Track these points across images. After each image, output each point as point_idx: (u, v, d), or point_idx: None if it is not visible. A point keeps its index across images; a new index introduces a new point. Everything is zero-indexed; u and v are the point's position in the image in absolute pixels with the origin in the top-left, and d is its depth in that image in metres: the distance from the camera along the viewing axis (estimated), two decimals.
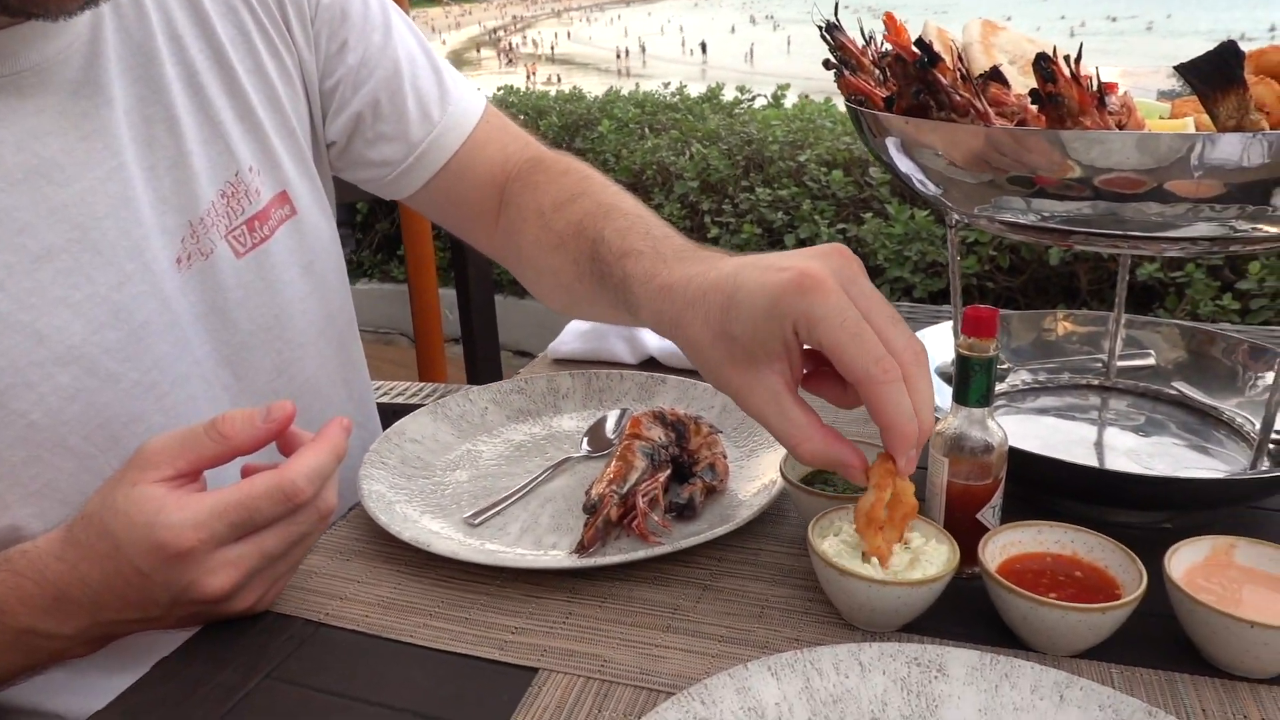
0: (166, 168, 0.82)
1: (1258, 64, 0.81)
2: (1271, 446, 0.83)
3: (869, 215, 3.36)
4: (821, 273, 0.64)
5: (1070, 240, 0.75)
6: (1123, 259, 1.04)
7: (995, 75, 0.74)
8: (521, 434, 1.01)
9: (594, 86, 5.35)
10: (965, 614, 0.70)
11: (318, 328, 0.97)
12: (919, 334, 1.01)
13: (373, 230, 5.00)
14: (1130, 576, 0.67)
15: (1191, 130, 0.74)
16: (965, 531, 0.71)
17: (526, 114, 4.71)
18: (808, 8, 0.87)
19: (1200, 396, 0.97)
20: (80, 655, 0.72)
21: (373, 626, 0.72)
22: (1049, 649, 0.66)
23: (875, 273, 3.26)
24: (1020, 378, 1.03)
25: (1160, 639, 0.67)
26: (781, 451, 0.85)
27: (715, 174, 3.80)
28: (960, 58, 0.79)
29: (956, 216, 0.85)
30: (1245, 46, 0.82)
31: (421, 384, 1.84)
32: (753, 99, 4.63)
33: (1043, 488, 0.84)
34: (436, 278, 3.00)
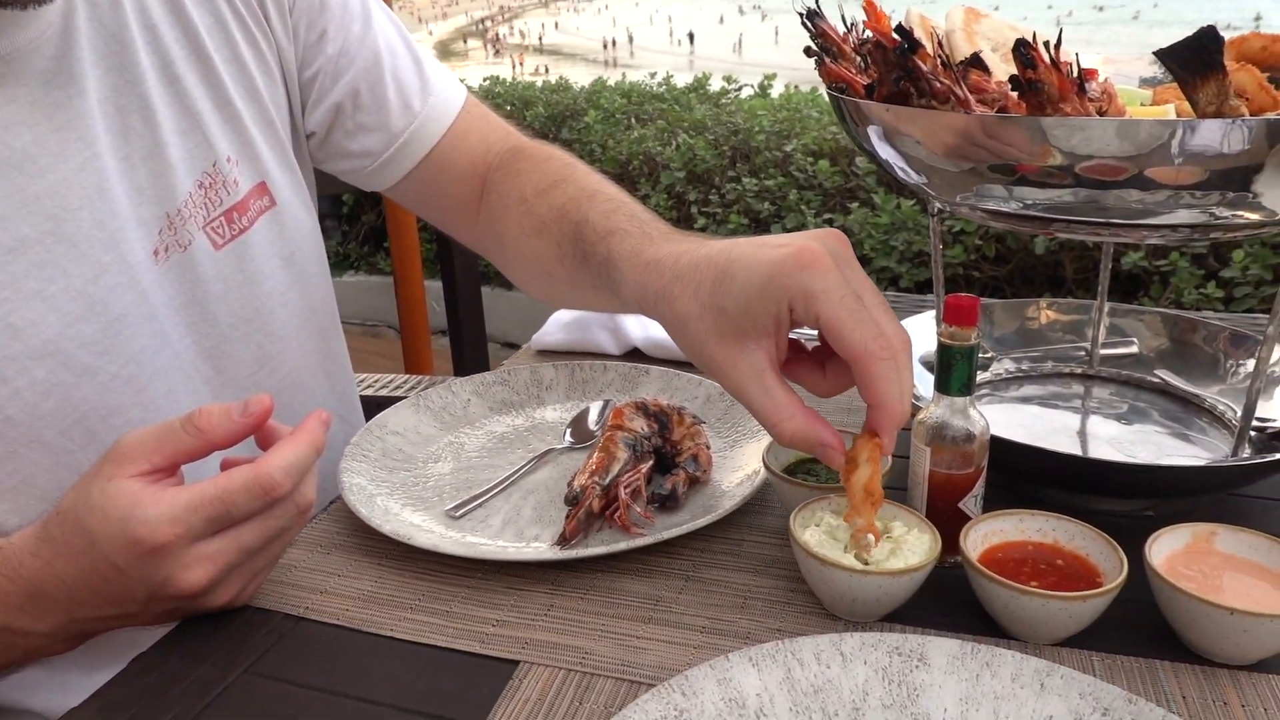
0: (142, 158, 0.81)
1: (1239, 50, 0.81)
2: (1252, 434, 0.83)
3: (855, 205, 3.37)
4: (820, 250, 0.64)
5: (1052, 228, 0.75)
6: (1106, 247, 1.04)
7: (976, 62, 0.73)
8: (504, 426, 1.01)
9: (582, 77, 5.34)
10: (947, 603, 0.70)
11: (299, 320, 0.96)
12: (903, 322, 1.01)
13: (359, 222, 4.98)
14: (1111, 564, 0.67)
15: (1172, 117, 0.73)
16: (947, 520, 0.71)
17: (513, 104, 4.70)
18: None
19: (1182, 384, 0.97)
20: (58, 653, 0.71)
21: (353, 620, 0.72)
22: (1030, 637, 0.66)
23: (862, 262, 3.20)
24: (1004, 366, 1.03)
25: (1141, 626, 0.67)
26: (764, 442, 0.85)
27: (702, 164, 3.80)
28: (942, 44, 0.78)
29: (939, 205, 0.85)
30: (1231, 34, 0.82)
31: (406, 376, 1.84)
32: (739, 89, 4.63)
33: (1025, 476, 0.84)
34: (422, 269, 2.99)
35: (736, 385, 0.67)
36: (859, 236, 3.28)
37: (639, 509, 0.80)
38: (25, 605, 0.67)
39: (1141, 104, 0.80)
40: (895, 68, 0.71)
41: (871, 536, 0.68)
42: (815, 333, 0.66)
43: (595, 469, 0.82)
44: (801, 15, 0.81)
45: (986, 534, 0.71)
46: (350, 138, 0.98)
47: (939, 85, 0.70)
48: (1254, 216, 0.70)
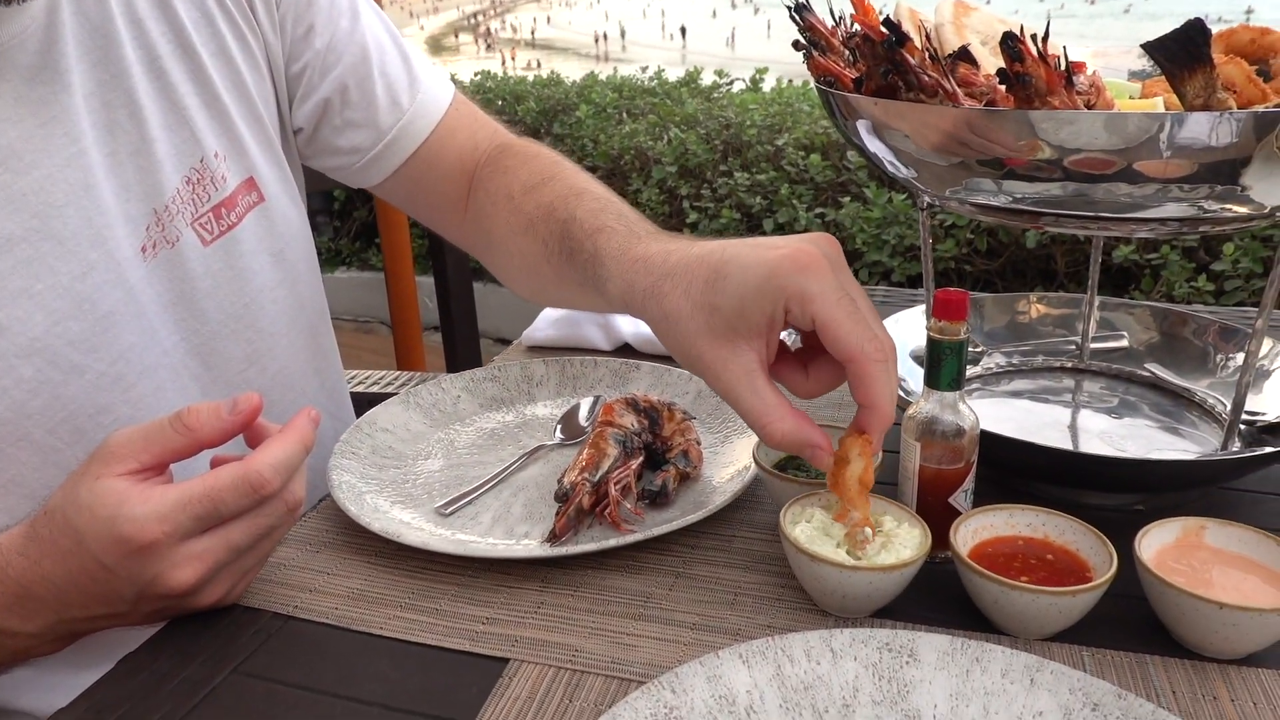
0: (129, 154, 0.81)
1: (1228, 43, 0.81)
2: (1242, 427, 0.83)
3: (847, 199, 3.36)
4: (816, 252, 0.65)
5: (1041, 222, 0.75)
6: (1095, 241, 1.04)
7: (964, 55, 0.73)
8: (494, 422, 1.01)
9: (574, 71, 5.33)
10: (938, 598, 0.70)
11: (289, 317, 0.95)
12: (894, 316, 1.02)
13: (350, 218, 4.97)
14: (1101, 559, 0.67)
15: (1160, 110, 0.73)
16: (937, 515, 0.71)
17: (504, 99, 4.68)
18: None
19: (1173, 378, 0.98)
20: (45, 654, 0.71)
21: (342, 619, 0.71)
22: (1020, 632, 0.66)
23: (854, 257, 3.26)
24: (994, 360, 1.03)
25: (1131, 621, 0.67)
26: (754, 438, 0.85)
27: (693, 159, 3.79)
28: (930, 38, 0.78)
29: (928, 199, 0.85)
30: (1222, 28, 0.82)
31: (397, 372, 1.84)
32: (731, 83, 4.62)
33: (1015, 471, 0.84)
34: (414, 265, 2.99)
35: (725, 385, 0.67)
36: (851, 231, 3.28)
37: (629, 505, 0.80)
38: (13, 606, 0.66)
39: (1130, 97, 0.80)
40: (883, 61, 0.71)
41: (869, 530, 0.68)
42: (796, 334, 0.67)
43: (585, 465, 0.82)
44: (790, 9, 0.80)
45: (977, 529, 0.71)
46: (338, 134, 0.97)
47: (927, 79, 0.70)
48: (1243, 210, 0.70)
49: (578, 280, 0.81)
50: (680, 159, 3.83)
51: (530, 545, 0.77)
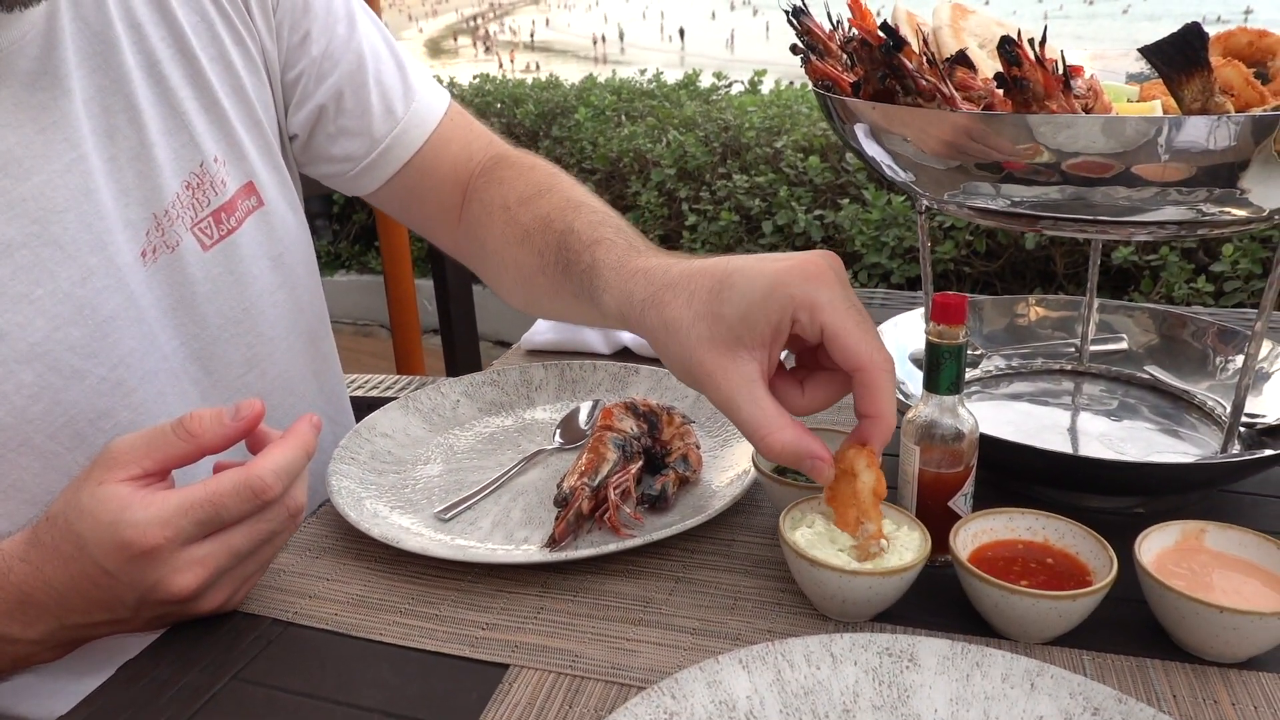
0: (129, 159, 0.81)
1: (1226, 45, 0.81)
2: (1242, 430, 0.83)
3: (846, 201, 3.36)
4: (824, 264, 0.66)
5: (1039, 225, 0.75)
6: (1094, 244, 1.04)
7: (962, 59, 0.73)
8: (494, 426, 1.01)
9: (572, 74, 5.33)
10: (938, 602, 0.70)
11: (288, 321, 0.95)
12: (893, 319, 1.02)
13: (350, 221, 4.97)
14: (1101, 563, 0.67)
15: (1158, 113, 0.73)
16: (937, 519, 0.71)
17: (503, 102, 4.68)
18: None
19: (1172, 380, 0.98)
20: (47, 660, 0.71)
21: (342, 625, 0.71)
22: (1021, 637, 0.66)
23: (853, 259, 3.26)
24: (994, 363, 1.03)
25: (1131, 624, 0.67)
26: None
27: (692, 161, 3.79)
28: (928, 41, 0.78)
29: (926, 202, 0.85)
30: (1221, 29, 0.82)
31: (397, 377, 1.83)
32: (729, 85, 4.62)
33: (1015, 474, 0.84)
34: (413, 268, 2.98)
35: (726, 394, 0.66)
36: (850, 233, 3.27)
37: (628, 510, 0.80)
38: (14, 612, 0.66)
39: (1128, 100, 0.80)
40: (880, 65, 0.71)
41: (884, 542, 0.68)
42: (790, 354, 0.68)
43: (584, 470, 0.82)
44: (787, 13, 0.80)
45: (976, 533, 0.71)
46: (332, 141, 0.97)
47: (924, 83, 0.70)
48: (1241, 213, 0.70)
49: (573, 292, 0.81)
50: (679, 161, 3.83)
51: (530, 550, 0.77)
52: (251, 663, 0.68)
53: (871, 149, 0.79)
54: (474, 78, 5.11)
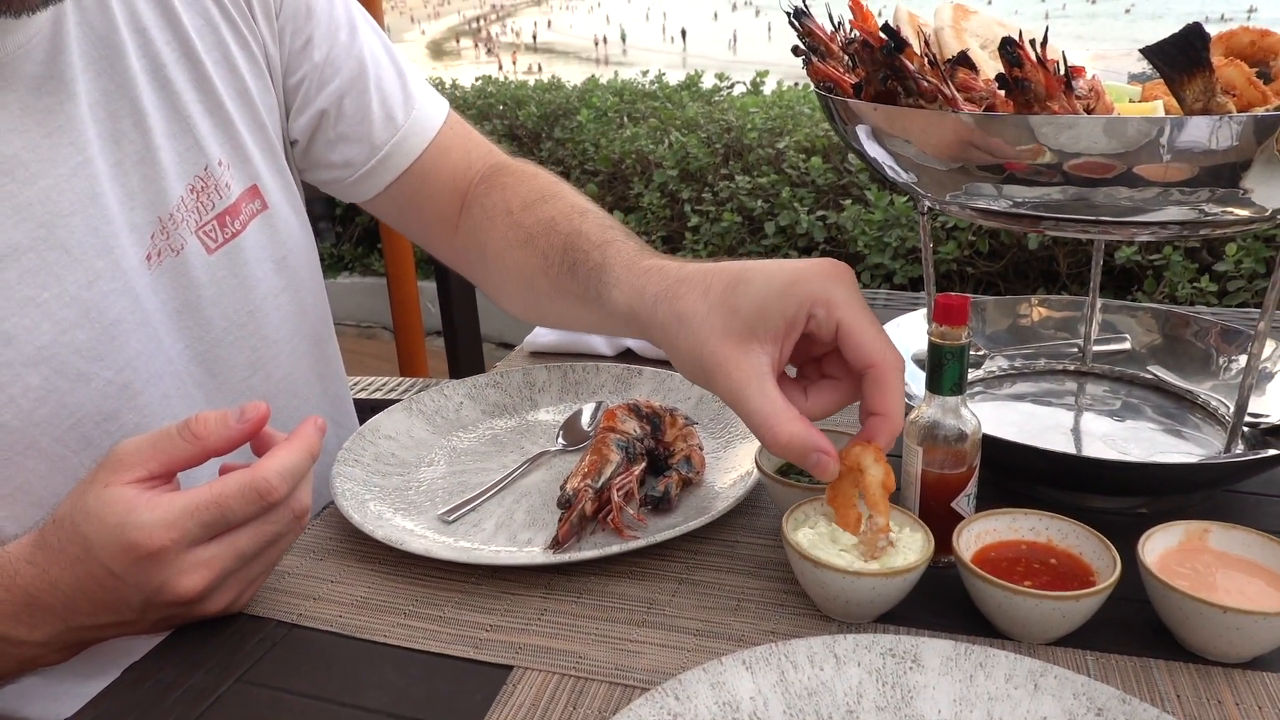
0: (134, 163, 0.81)
1: (1228, 45, 0.81)
2: (1245, 429, 0.83)
3: (849, 202, 3.36)
4: (839, 266, 0.68)
5: (1042, 226, 0.75)
6: (1097, 244, 1.04)
7: (963, 60, 0.73)
8: (497, 428, 1.01)
9: (575, 75, 5.33)
10: (942, 603, 0.70)
11: (292, 324, 0.96)
12: (896, 320, 1.02)
13: (352, 223, 4.97)
14: (1104, 563, 0.67)
15: (1160, 114, 0.73)
16: (940, 520, 0.71)
17: (505, 104, 4.68)
18: None
19: (1175, 380, 0.98)
20: (53, 662, 0.71)
21: (346, 627, 0.71)
22: (1024, 637, 0.66)
23: (856, 259, 3.26)
24: (996, 364, 1.03)
25: (1135, 625, 0.67)
26: (757, 443, 0.85)
27: (695, 162, 3.79)
28: (930, 42, 0.78)
29: (928, 203, 0.85)
30: (1225, 28, 0.82)
31: (400, 379, 1.84)
32: (731, 86, 4.62)
33: (1018, 474, 0.84)
34: (416, 270, 2.99)
35: (736, 384, 0.67)
36: (853, 233, 3.27)
37: (632, 511, 0.80)
38: (20, 614, 0.67)
39: (1130, 100, 0.80)
40: (882, 67, 0.71)
41: (892, 535, 0.68)
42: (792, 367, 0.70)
43: (588, 471, 0.82)
44: (789, 15, 0.80)
45: (980, 533, 0.71)
46: (331, 147, 0.97)
47: (926, 84, 0.70)
48: (1243, 213, 0.70)
49: (577, 292, 0.81)
50: (681, 163, 3.83)
51: (533, 552, 0.78)
52: (256, 665, 0.68)
53: (873, 150, 0.80)
54: (476, 80, 5.11)
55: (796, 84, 4.37)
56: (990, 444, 0.74)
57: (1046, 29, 0.68)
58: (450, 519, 0.83)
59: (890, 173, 0.81)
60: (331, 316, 1.05)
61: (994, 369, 1.02)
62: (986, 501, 0.74)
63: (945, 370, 0.71)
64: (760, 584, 0.74)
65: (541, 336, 1.21)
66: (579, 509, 0.78)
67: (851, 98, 0.77)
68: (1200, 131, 0.64)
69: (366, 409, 1.06)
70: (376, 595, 0.75)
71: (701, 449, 0.89)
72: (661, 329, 0.71)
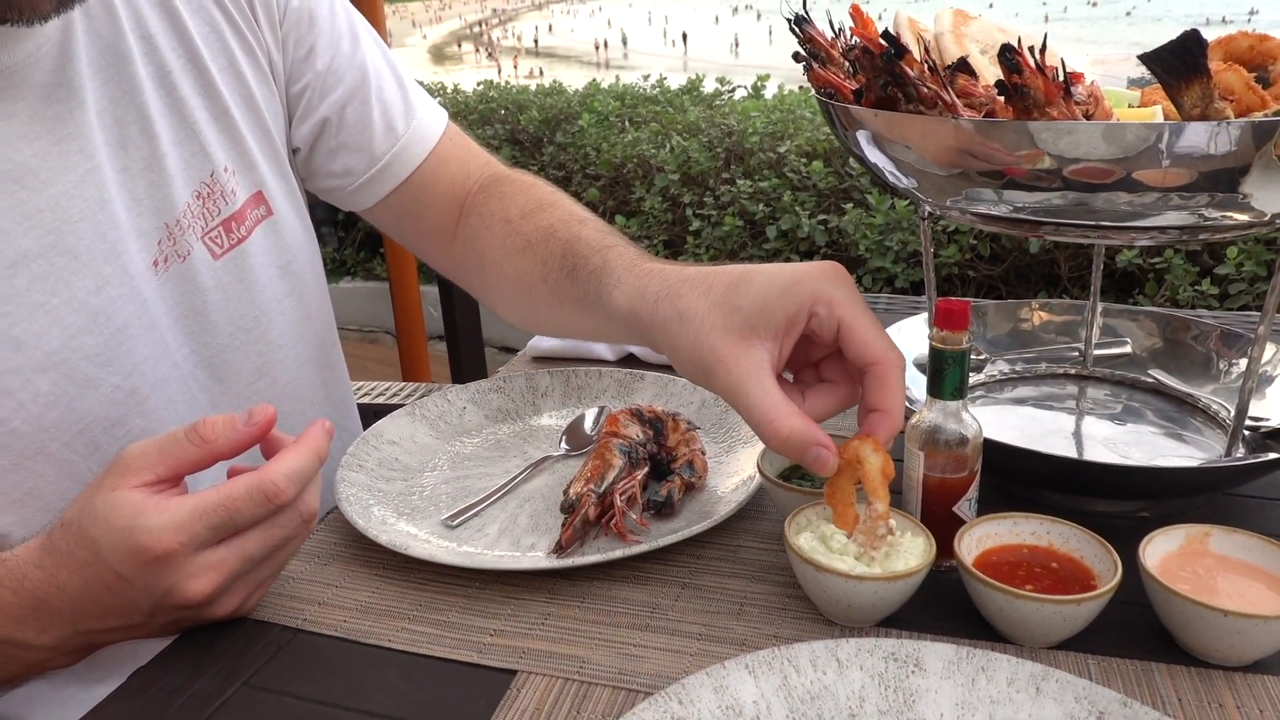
0: (141, 170, 0.82)
1: (1227, 50, 0.81)
2: (1246, 433, 0.83)
3: (850, 206, 3.37)
4: (840, 268, 0.69)
5: (1042, 231, 0.75)
6: (1097, 248, 1.04)
7: (963, 66, 0.73)
8: (500, 433, 1.01)
9: (576, 79, 5.33)
10: (944, 607, 0.71)
11: (297, 329, 0.96)
12: (897, 325, 1.02)
13: (355, 228, 4.98)
14: (1106, 567, 0.67)
15: (1159, 119, 0.74)
16: (942, 524, 0.71)
17: (507, 108, 4.69)
18: None
19: (1176, 384, 0.98)
20: (61, 666, 0.72)
21: (351, 631, 0.72)
22: (1026, 641, 0.66)
23: (857, 263, 3.27)
24: (998, 368, 1.03)
25: (1136, 629, 0.68)
26: (759, 447, 0.85)
27: (696, 166, 3.80)
28: (930, 48, 0.78)
29: (929, 208, 0.85)
30: (1226, 30, 0.82)
31: (403, 384, 1.84)
32: (732, 90, 4.63)
33: (1020, 478, 0.84)
34: (418, 275, 2.99)
35: (736, 380, 0.67)
36: (854, 237, 3.28)
37: (635, 516, 0.80)
38: (28, 618, 0.67)
39: (1130, 105, 0.80)
40: (882, 73, 0.72)
41: (891, 523, 0.68)
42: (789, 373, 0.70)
43: (591, 476, 0.82)
44: (790, 21, 0.81)
45: (981, 537, 0.71)
46: (332, 156, 0.98)
47: (926, 90, 0.70)
48: (1243, 217, 0.70)
49: (576, 296, 0.81)
50: (683, 167, 3.84)
51: (537, 557, 0.78)
52: (261, 669, 0.68)
53: (874, 156, 0.80)
54: (478, 84, 5.12)
55: (797, 88, 4.37)
56: (991, 448, 0.75)
57: (1045, 35, 0.69)
58: (454, 524, 0.84)
59: (891, 178, 0.81)
60: (335, 321, 1.05)
61: (995, 373, 1.03)
62: (988, 505, 0.74)
63: (946, 375, 0.71)
64: (763, 588, 0.75)
65: (544, 341, 1.22)
66: (582, 514, 0.79)
67: (852, 104, 0.77)
68: (1199, 137, 0.64)
69: (370, 414, 1.07)
70: (380, 600, 0.75)
71: (704, 454, 0.89)
72: (662, 328, 0.71)
